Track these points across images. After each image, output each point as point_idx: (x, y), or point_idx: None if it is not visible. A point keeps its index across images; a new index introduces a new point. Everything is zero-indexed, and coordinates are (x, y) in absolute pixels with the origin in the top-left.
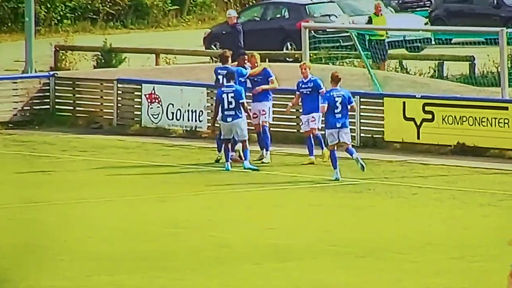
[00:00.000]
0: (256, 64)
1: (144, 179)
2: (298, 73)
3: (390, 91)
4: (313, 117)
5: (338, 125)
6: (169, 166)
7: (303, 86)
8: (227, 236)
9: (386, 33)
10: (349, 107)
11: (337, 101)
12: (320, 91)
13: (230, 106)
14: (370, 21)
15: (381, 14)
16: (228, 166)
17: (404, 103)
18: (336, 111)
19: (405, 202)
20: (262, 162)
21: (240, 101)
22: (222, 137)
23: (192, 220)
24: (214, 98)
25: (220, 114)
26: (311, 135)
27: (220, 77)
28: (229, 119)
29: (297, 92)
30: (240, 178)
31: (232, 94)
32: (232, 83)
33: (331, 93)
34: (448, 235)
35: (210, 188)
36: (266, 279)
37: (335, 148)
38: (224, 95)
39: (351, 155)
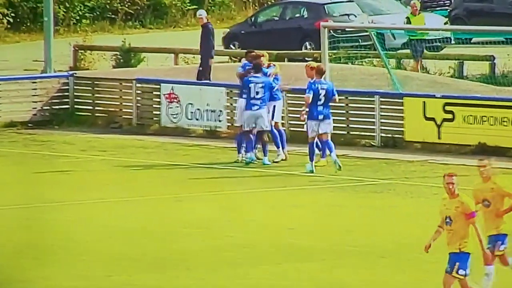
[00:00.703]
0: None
1: (163, 179)
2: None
3: (410, 91)
4: None
5: (320, 117)
6: (188, 166)
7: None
8: (247, 236)
9: (427, 32)
10: (334, 98)
11: (321, 93)
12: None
13: (257, 96)
14: (408, 21)
15: (419, 13)
16: (253, 156)
17: (424, 103)
18: (319, 102)
19: (426, 202)
20: (273, 161)
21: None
22: (244, 128)
23: (211, 220)
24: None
25: (244, 103)
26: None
27: (252, 85)
28: (254, 107)
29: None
30: (259, 178)
31: (261, 85)
32: (260, 75)
33: (316, 85)
34: (470, 235)
35: (229, 188)
36: (287, 280)
37: (314, 140)
38: (252, 85)
39: (330, 151)
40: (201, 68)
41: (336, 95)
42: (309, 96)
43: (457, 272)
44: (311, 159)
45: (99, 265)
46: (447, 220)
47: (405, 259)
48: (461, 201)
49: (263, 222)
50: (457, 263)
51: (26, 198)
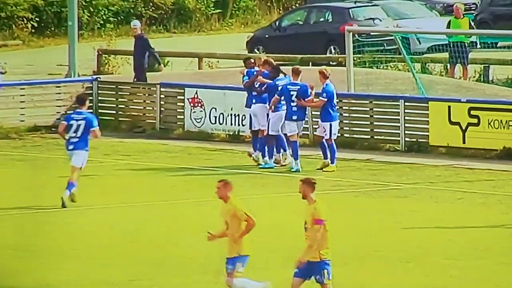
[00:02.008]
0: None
1: (186, 183)
2: (341, 77)
3: (435, 95)
4: (324, 127)
5: (294, 117)
6: (212, 170)
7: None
8: (269, 241)
9: (469, 36)
10: (308, 99)
11: (292, 95)
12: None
13: (293, 104)
14: (449, 25)
15: (463, 16)
16: (272, 164)
17: (449, 107)
18: (292, 104)
19: (450, 207)
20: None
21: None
22: (269, 132)
23: None
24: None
25: (259, 108)
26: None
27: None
28: (283, 107)
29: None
30: (282, 182)
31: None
32: (281, 76)
33: (288, 87)
34: (494, 241)
35: (252, 192)
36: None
37: (297, 139)
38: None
39: (293, 154)
40: (135, 80)
41: (312, 97)
42: (278, 98)
43: (328, 279)
44: (296, 158)
45: (122, 270)
46: (306, 226)
47: (429, 264)
48: (314, 206)
49: (285, 226)
50: (325, 270)
51: (50, 202)
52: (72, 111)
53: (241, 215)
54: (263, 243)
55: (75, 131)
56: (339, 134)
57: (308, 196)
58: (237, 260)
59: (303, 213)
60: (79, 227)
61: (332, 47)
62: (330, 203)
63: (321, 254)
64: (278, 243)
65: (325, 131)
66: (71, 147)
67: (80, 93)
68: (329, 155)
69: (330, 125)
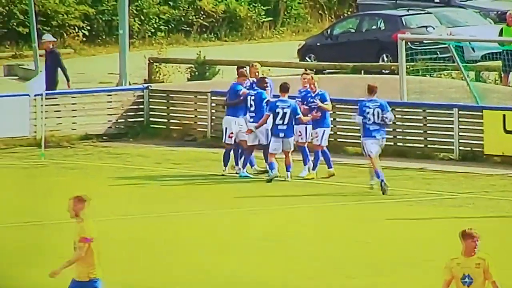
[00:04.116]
0: (257, 74)
1: (238, 192)
2: (394, 85)
3: (489, 104)
4: (316, 133)
5: (281, 134)
6: (263, 179)
7: (310, 99)
8: (323, 250)
9: None
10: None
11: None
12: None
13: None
14: (501, 33)
15: None
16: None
17: (504, 115)
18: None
19: (507, 217)
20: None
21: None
22: (249, 143)
23: (284, 233)
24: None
25: (239, 120)
26: (321, 150)
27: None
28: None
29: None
30: (334, 191)
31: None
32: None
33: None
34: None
35: (304, 201)
36: None
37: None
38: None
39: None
40: None
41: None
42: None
43: None
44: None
45: (172, 279)
46: (74, 246)
47: None
48: (81, 225)
49: (339, 236)
50: None
51: (102, 211)
52: (276, 99)
53: None
54: (316, 252)
55: (282, 118)
56: (392, 143)
57: (78, 214)
58: None
59: (74, 232)
60: (133, 237)
61: (384, 55)
62: (383, 212)
63: (90, 273)
64: (331, 252)
65: (317, 136)
66: (281, 134)
67: (283, 82)
68: (311, 161)
69: (324, 131)
